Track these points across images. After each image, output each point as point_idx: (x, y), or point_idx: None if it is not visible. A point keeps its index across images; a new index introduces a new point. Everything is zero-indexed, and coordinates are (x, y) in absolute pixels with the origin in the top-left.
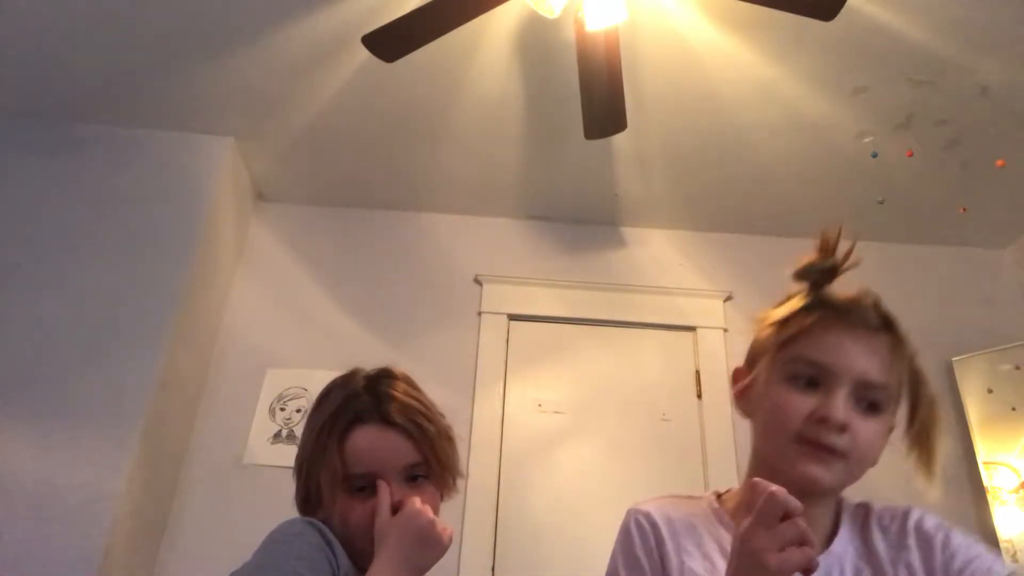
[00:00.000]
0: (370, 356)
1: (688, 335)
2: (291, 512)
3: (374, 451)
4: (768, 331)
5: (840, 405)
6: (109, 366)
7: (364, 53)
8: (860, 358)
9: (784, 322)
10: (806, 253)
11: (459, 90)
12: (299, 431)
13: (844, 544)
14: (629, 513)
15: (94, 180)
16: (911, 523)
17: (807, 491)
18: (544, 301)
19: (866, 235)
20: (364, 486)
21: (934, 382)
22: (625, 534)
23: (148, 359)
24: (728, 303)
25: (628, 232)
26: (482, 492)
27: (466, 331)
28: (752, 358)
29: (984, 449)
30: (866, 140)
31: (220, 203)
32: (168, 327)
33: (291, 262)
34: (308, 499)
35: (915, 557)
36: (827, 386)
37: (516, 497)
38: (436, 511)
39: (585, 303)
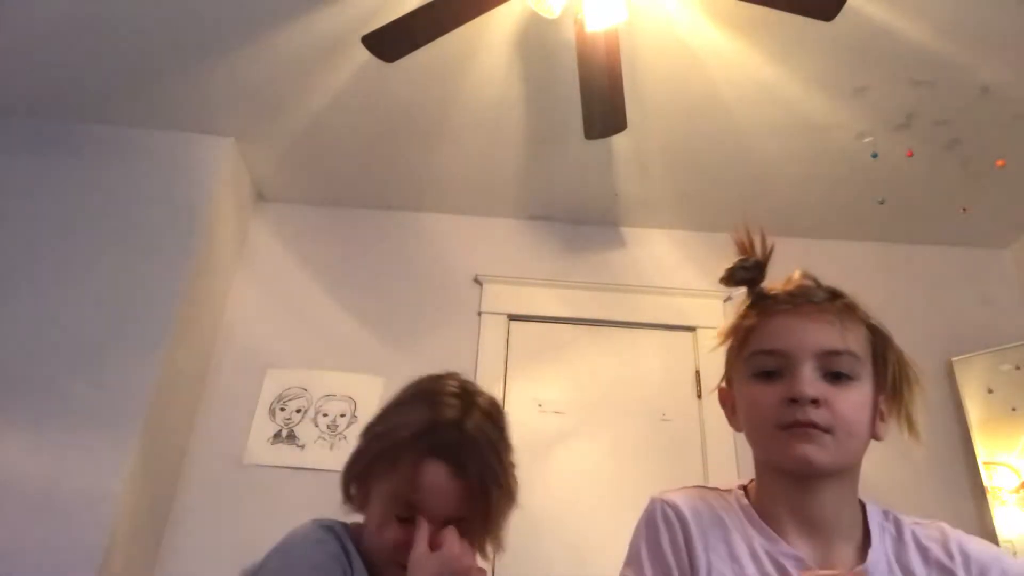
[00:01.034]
0: (370, 356)
1: (688, 335)
2: (291, 511)
3: (432, 493)
4: (727, 343)
5: (806, 381)
6: (109, 366)
7: (364, 53)
8: (811, 332)
9: (735, 329)
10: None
11: (459, 90)
12: (299, 431)
13: (878, 556)
14: (654, 503)
15: (94, 180)
16: (953, 545)
17: (808, 474)
18: (544, 301)
19: (866, 235)
20: (408, 517)
21: (934, 382)
22: (650, 526)
23: (148, 359)
24: (728, 303)
25: (628, 232)
26: None
27: (466, 331)
28: (727, 374)
29: (984, 449)
30: (866, 140)
31: (220, 203)
32: (168, 327)
33: (291, 262)
34: (354, 488)
35: None
36: (790, 369)
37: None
38: None
39: (585, 303)
